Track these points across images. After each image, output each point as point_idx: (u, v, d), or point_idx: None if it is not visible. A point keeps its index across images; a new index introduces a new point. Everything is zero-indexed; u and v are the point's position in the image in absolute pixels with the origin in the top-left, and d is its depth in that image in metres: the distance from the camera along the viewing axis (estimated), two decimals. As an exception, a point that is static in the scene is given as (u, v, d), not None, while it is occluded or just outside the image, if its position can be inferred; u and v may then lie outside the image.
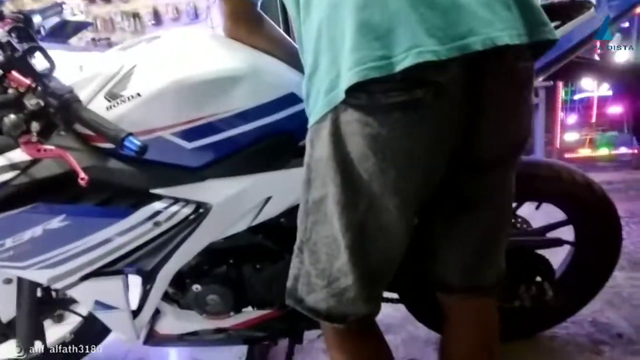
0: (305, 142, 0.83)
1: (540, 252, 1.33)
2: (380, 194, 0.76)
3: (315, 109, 0.77)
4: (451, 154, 0.78)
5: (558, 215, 1.39)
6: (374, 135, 0.71)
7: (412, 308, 1.42)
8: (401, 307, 1.41)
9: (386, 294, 1.29)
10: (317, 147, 0.78)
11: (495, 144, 0.81)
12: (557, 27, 1.07)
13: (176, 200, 1.04)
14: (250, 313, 1.29)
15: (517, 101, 0.80)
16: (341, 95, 0.70)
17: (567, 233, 1.40)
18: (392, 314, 1.52)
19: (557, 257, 1.44)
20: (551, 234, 1.37)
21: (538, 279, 1.31)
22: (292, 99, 1.03)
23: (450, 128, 0.75)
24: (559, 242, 1.35)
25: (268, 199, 1.08)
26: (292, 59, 1.02)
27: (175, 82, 0.95)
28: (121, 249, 1.06)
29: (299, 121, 0.93)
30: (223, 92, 0.97)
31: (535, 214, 1.44)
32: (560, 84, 2.99)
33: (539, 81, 2.87)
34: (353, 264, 0.80)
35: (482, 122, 0.77)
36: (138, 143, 0.84)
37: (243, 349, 1.59)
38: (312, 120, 0.79)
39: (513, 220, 1.39)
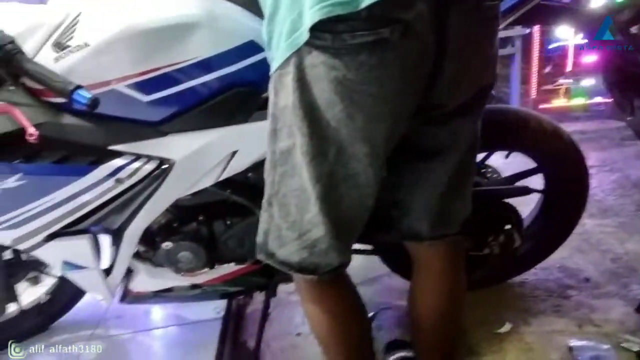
0: (269, 90, 0.80)
1: (509, 201, 1.35)
2: (349, 141, 0.74)
3: (277, 53, 0.73)
4: (417, 99, 0.76)
5: (529, 164, 1.39)
6: (341, 79, 0.68)
7: (385, 259, 1.44)
8: (375, 259, 1.43)
9: (360, 246, 1.30)
10: (282, 95, 0.75)
11: (460, 88, 0.79)
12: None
13: (138, 157, 1.02)
14: (224, 268, 1.30)
15: (482, 41, 0.78)
16: (305, 36, 0.67)
17: (536, 182, 1.41)
18: (366, 265, 1.54)
19: (527, 206, 1.46)
20: (520, 183, 1.38)
21: (507, 227, 1.33)
22: (252, 47, 0.99)
23: (417, 70, 0.72)
24: (527, 191, 1.35)
25: (234, 153, 1.07)
26: (250, 3, 0.97)
27: (125, 30, 0.91)
28: (84, 208, 1.04)
29: (261, 72, 0.90)
30: (178, 40, 0.93)
31: (506, 164, 1.44)
32: (535, 34, 2.95)
33: (514, 30, 2.84)
34: (324, 215, 0.79)
35: (447, 64, 0.74)
36: (88, 96, 0.81)
37: (222, 304, 1.62)
38: (274, 66, 0.75)
39: (483, 170, 1.39)
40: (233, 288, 1.35)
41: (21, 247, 1.09)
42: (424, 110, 0.79)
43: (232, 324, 1.56)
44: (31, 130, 0.83)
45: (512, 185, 1.38)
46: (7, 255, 1.34)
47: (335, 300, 0.93)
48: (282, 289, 1.44)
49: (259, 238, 0.89)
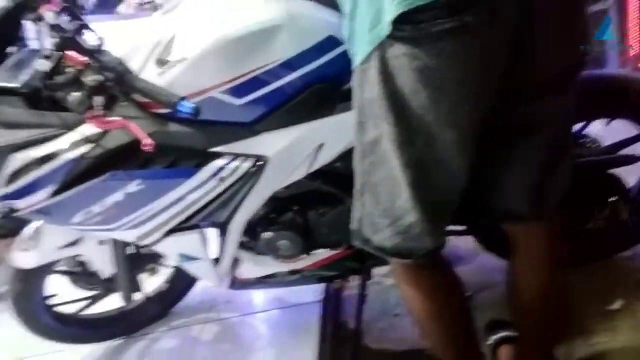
0: (353, 85, 0.81)
1: (613, 172, 1.26)
2: (436, 128, 0.74)
3: (360, 48, 0.75)
4: (504, 79, 0.75)
5: (632, 131, 1.29)
6: (423, 67, 0.69)
7: (480, 239, 1.42)
8: (469, 239, 1.42)
9: (454, 227, 1.29)
10: (367, 88, 0.76)
11: (550, 62, 0.76)
12: None
13: (236, 156, 1.10)
14: (320, 254, 1.36)
15: (570, 8, 0.75)
16: (386, 30, 0.68)
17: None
18: (461, 246, 1.53)
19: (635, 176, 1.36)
20: (624, 152, 1.29)
21: (613, 199, 1.25)
22: (331, 42, 1.03)
23: (500, 51, 0.71)
24: (633, 160, 1.26)
25: (321, 146, 1.11)
26: None
27: (216, 41, 0.98)
28: (194, 206, 1.14)
29: (341, 65, 0.93)
30: (263, 45, 0.99)
31: (606, 132, 1.35)
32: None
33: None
34: (416, 200, 0.80)
35: (534, 39, 0.73)
36: (191, 105, 0.89)
37: (320, 288, 1.69)
38: (357, 61, 0.77)
39: (582, 141, 1.31)
40: (329, 272, 1.41)
41: (143, 243, 1.23)
42: (512, 89, 0.77)
43: (332, 306, 1.63)
44: (146, 141, 0.93)
45: (615, 154, 1.29)
46: (130, 250, 1.51)
47: (432, 282, 0.94)
48: (377, 272, 1.48)
49: (354, 225, 0.91)
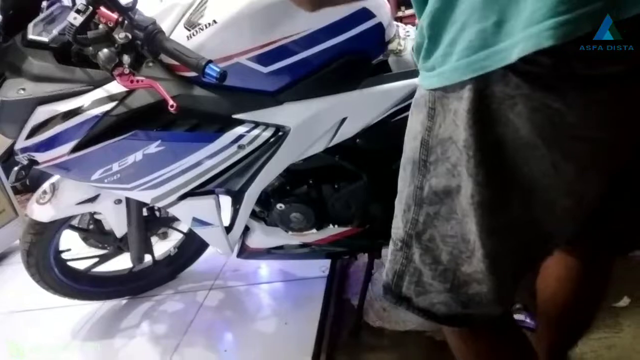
0: (411, 109, 0.64)
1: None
2: (545, 194, 0.57)
3: (442, 68, 0.55)
4: None
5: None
6: (555, 120, 0.51)
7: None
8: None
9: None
10: (444, 122, 0.58)
11: None
12: None
13: (257, 125, 1.10)
14: (330, 230, 1.37)
15: None
16: (506, 59, 0.49)
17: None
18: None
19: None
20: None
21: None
22: (363, 14, 1.01)
23: None
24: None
25: (343, 120, 1.11)
26: None
27: (247, 6, 0.97)
28: (211, 171, 1.15)
29: (372, 39, 0.92)
30: (293, 13, 0.98)
31: None
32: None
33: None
34: (492, 272, 0.62)
35: None
36: (218, 69, 0.89)
37: (326, 263, 1.71)
38: (431, 83, 0.58)
39: None
40: (338, 248, 1.43)
41: (159, 204, 1.24)
42: None
43: (336, 282, 1.65)
44: (172, 102, 0.93)
45: None
46: (144, 212, 1.53)
47: (492, 346, 0.76)
48: (385, 251, 1.48)
49: (387, 278, 0.73)
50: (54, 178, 1.38)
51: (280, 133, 1.11)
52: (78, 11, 0.90)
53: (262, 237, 1.40)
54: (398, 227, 0.69)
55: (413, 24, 1.16)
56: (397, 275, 0.72)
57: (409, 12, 3.56)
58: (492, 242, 0.60)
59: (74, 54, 1.06)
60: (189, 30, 1.00)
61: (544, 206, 0.58)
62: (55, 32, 1.05)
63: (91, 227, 1.55)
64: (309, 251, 1.44)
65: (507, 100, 0.52)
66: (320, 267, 1.71)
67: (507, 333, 0.77)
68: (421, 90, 0.61)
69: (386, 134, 1.14)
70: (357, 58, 1.05)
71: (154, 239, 1.69)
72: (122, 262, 1.63)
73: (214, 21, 0.98)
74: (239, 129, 1.09)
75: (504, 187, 0.57)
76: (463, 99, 0.54)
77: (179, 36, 1.00)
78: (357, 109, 1.09)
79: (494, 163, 0.56)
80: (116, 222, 1.43)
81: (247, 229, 1.39)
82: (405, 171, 0.66)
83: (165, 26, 1.00)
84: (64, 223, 1.44)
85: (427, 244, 0.66)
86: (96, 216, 1.53)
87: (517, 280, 0.68)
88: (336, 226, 1.37)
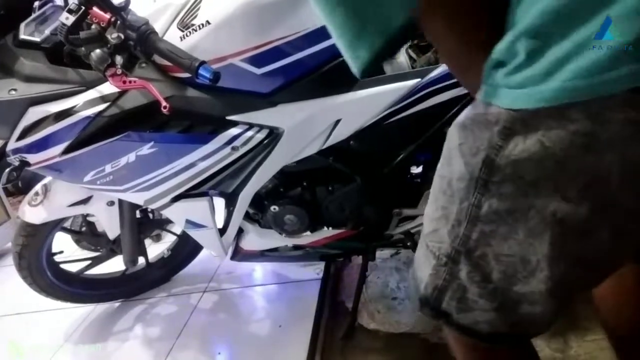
0: (472, 122, 0.58)
1: None
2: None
3: (542, 86, 0.49)
4: None
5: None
6: None
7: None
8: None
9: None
10: (524, 143, 0.53)
11: None
12: None
13: (251, 126, 1.10)
14: (324, 232, 1.37)
15: None
16: (614, 86, 0.45)
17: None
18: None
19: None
20: None
21: None
22: None
23: None
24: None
25: (337, 121, 1.11)
26: None
27: (241, 7, 0.97)
28: (204, 173, 1.15)
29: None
30: (287, 14, 0.98)
31: None
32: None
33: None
34: (552, 295, 0.60)
35: None
36: (211, 71, 0.88)
37: (321, 266, 1.71)
38: (515, 101, 0.52)
39: None
40: (332, 251, 1.42)
41: (152, 206, 1.24)
42: None
43: (331, 284, 1.65)
44: (165, 103, 0.93)
45: None
46: (137, 214, 1.52)
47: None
48: (380, 254, 1.49)
49: (426, 290, 0.70)
50: (46, 180, 1.37)
51: (274, 135, 1.11)
52: (70, 11, 0.89)
53: (256, 239, 1.40)
54: (442, 242, 0.66)
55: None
56: (438, 290, 0.68)
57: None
58: (563, 267, 0.57)
59: (66, 54, 1.05)
60: (182, 31, 1.00)
61: (631, 236, 0.56)
62: (47, 32, 1.04)
63: (84, 229, 1.53)
64: (303, 253, 1.44)
65: (629, 126, 0.47)
66: (314, 269, 1.71)
67: (524, 347, 0.74)
68: (485, 106, 0.56)
69: (380, 136, 1.14)
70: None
71: (147, 241, 1.68)
72: (115, 265, 1.62)
73: (208, 22, 0.98)
74: (233, 131, 1.09)
75: (596, 212, 0.53)
76: (569, 121, 0.49)
77: (172, 37, 1.00)
78: (351, 111, 1.09)
79: (601, 192, 0.52)
80: (109, 224, 1.42)
81: (241, 231, 1.38)
82: (454, 186, 0.62)
83: (158, 27, 0.99)
84: (56, 225, 1.43)
85: (478, 261, 0.63)
86: (89, 218, 1.52)
87: (573, 300, 0.65)
88: (330, 228, 1.37)
